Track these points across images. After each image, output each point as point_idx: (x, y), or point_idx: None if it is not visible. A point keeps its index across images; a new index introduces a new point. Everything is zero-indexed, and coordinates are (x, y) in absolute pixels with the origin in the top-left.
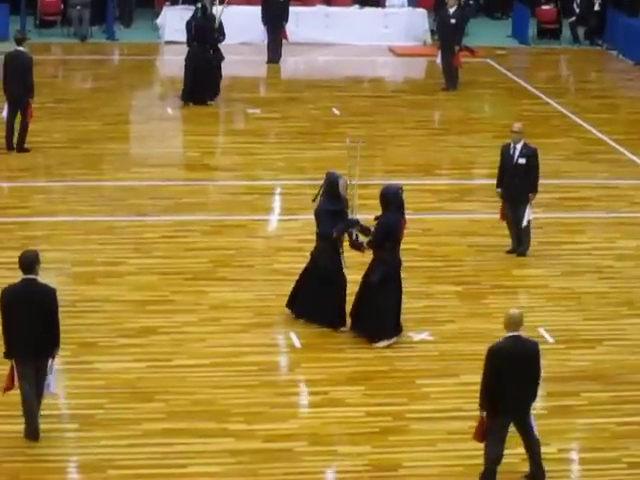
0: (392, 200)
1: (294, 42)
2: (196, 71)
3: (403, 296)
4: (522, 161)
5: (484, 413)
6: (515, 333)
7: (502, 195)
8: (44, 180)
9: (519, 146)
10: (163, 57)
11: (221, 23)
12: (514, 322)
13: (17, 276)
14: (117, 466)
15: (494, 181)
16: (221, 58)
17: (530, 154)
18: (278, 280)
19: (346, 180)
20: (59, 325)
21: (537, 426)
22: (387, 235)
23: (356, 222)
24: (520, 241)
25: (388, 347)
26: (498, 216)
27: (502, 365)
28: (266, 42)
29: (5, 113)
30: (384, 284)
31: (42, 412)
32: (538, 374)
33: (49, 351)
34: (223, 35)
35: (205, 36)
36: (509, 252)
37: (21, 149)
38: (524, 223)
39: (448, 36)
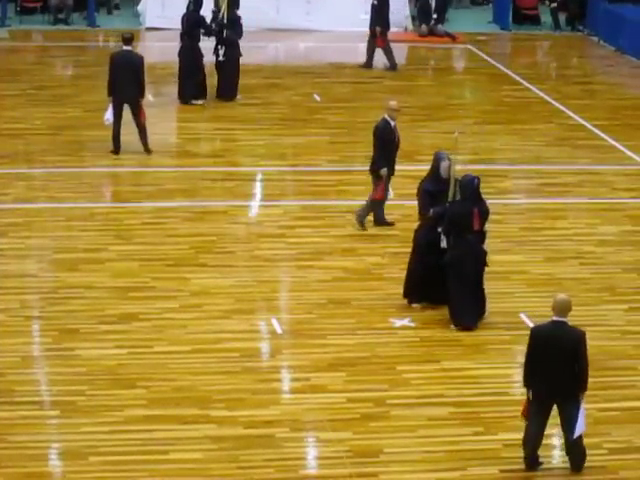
0: (464, 189)
1: (275, 28)
2: (181, 68)
3: (386, 282)
4: None
5: (530, 392)
6: (558, 318)
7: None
8: (25, 167)
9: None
10: (144, 43)
11: (235, 18)
12: (557, 307)
13: (4, 262)
14: (99, 452)
15: (476, 167)
16: (232, 55)
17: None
18: (259, 266)
19: (450, 163)
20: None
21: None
22: (451, 224)
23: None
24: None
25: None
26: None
27: (537, 347)
28: None
29: (110, 116)
30: (448, 269)
31: (22, 399)
32: (578, 363)
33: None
34: (234, 31)
35: (193, 31)
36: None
37: (148, 150)
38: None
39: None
